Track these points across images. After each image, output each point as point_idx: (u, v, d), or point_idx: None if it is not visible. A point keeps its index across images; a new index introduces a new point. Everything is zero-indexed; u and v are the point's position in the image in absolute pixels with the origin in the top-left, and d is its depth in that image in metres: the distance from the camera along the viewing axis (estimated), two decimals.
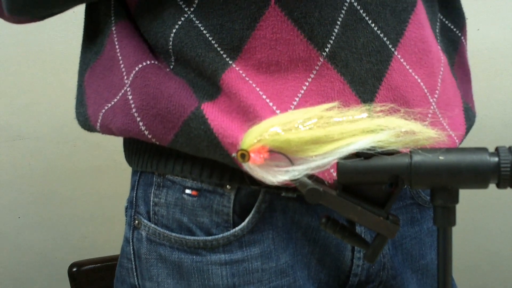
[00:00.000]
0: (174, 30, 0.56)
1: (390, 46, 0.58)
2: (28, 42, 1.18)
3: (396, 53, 0.59)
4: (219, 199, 0.59)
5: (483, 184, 0.48)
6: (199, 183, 0.59)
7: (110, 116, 0.59)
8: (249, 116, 0.55)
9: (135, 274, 0.63)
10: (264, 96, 0.56)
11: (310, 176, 0.48)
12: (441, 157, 0.48)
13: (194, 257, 0.59)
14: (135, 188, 0.63)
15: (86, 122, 0.63)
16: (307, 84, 0.56)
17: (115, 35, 0.60)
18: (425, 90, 0.61)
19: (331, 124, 0.48)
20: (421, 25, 0.61)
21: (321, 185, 0.49)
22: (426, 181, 0.49)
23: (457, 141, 0.65)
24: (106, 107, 0.59)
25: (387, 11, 0.58)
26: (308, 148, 0.46)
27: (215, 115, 0.55)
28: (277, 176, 0.46)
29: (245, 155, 0.46)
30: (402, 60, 0.59)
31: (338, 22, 0.55)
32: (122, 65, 0.59)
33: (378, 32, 0.57)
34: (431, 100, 0.61)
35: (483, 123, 1.23)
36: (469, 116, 0.69)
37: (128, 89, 0.58)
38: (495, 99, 1.31)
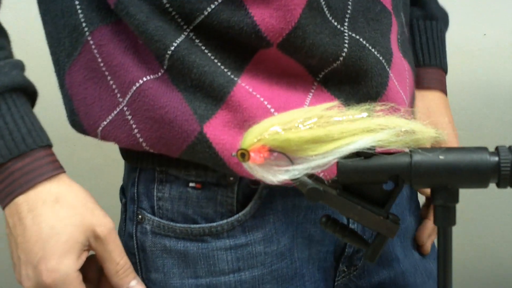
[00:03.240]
0: (175, 43, 0.55)
1: (387, 67, 0.61)
2: (28, 42, 1.18)
3: (390, 73, 0.61)
4: (223, 190, 0.60)
5: (483, 184, 0.48)
6: (203, 177, 0.60)
7: (109, 133, 0.59)
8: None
9: (138, 268, 0.64)
10: (272, 110, 0.57)
11: (310, 176, 0.48)
12: (441, 157, 0.48)
13: (200, 244, 0.60)
14: (136, 185, 0.63)
15: (84, 133, 0.63)
16: (309, 97, 0.59)
17: (93, 47, 0.58)
18: (404, 100, 0.65)
19: (331, 124, 0.48)
20: (395, 40, 0.65)
21: (321, 185, 0.49)
22: (426, 181, 0.49)
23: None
24: (103, 124, 0.59)
25: (378, 35, 0.61)
26: (308, 148, 0.46)
27: (218, 135, 0.56)
28: (277, 175, 0.46)
29: (245, 155, 0.46)
30: (394, 79, 0.62)
31: (341, 58, 0.57)
32: (111, 82, 0.58)
33: (378, 55, 0.60)
34: (406, 104, 0.66)
35: (483, 122, 1.23)
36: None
37: (125, 108, 0.58)
38: (495, 99, 1.31)
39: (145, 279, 0.64)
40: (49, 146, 0.59)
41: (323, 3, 0.56)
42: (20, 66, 0.59)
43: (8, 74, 0.56)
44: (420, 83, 0.79)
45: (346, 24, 0.58)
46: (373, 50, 0.59)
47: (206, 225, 0.60)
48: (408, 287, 0.71)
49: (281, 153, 0.47)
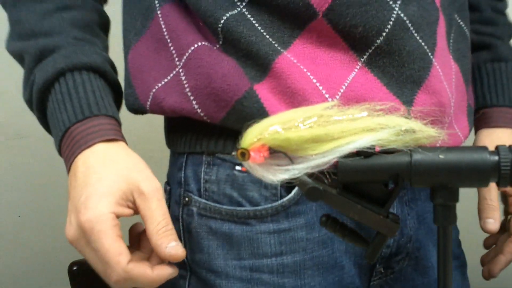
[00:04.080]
0: (225, 17, 0.59)
1: (430, 54, 0.61)
2: None
3: (434, 61, 0.62)
4: None
5: (483, 183, 0.48)
6: None
7: (162, 95, 0.62)
8: (297, 98, 0.58)
9: (188, 250, 0.66)
10: (314, 80, 0.59)
11: (310, 175, 0.48)
12: (441, 156, 0.48)
13: (244, 227, 0.62)
14: (183, 169, 0.66)
15: (135, 102, 0.66)
16: (353, 74, 0.60)
17: (161, 19, 0.64)
18: (450, 96, 0.64)
19: (331, 123, 0.48)
20: (443, 36, 0.65)
21: (321, 184, 0.49)
22: (426, 180, 0.49)
23: (463, 140, 0.69)
24: (156, 87, 0.63)
25: (424, 23, 0.61)
26: (308, 147, 0.46)
27: (267, 96, 0.58)
28: (277, 174, 0.46)
29: (245, 154, 0.46)
30: (438, 67, 0.62)
31: (384, 34, 0.58)
32: (172, 48, 0.63)
33: (421, 41, 0.60)
34: (452, 105, 0.65)
35: None
36: (470, 113, 0.73)
37: (180, 70, 0.61)
38: None
39: (189, 260, 0.66)
40: (114, 118, 0.62)
41: None
42: (105, 57, 0.65)
43: (89, 56, 0.62)
44: (487, 123, 0.79)
45: (398, 2, 0.59)
46: (416, 34, 0.60)
47: (251, 208, 0.62)
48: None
49: (281, 152, 0.47)
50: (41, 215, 1.38)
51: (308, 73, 0.59)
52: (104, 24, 0.70)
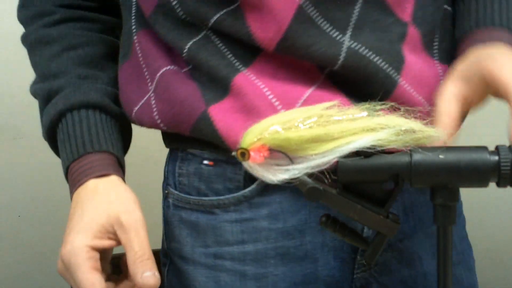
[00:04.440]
0: (188, 45, 0.63)
1: (395, 75, 0.61)
2: None
3: (400, 80, 0.62)
4: (232, 167, 0.65)
5: (483, 183, 0.48)
6: (215, 154, 0.66)
7: (139, 117, 0.68)
8: (252, 116, 0.60)
9: (164, 239, 0.72)
10: (270, 96, 0.60)
11: (310, 175, 0.48)
12: (441, 156, 0.48)
13: (209, 216, 0.66)
14: (167, 164, 0.71)
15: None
16: (312, 88, 0.61)
17: (137, 45, 0.69)
18: (424, 104, 0.64)
19: (331, 123, 0.48)
20: (415, 49, 0.65)
21: (321, 184, 0.49)
22: (426, 180, 0.49)
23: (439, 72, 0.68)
24: (135, 109, 0.69)
25: (385, 44, 0.61)
26: (308, 147, 0.46)
27: (220, 116, 0.62)
28: (277, 174, 0.46)
29: (245, 154, 0.46)
30: (406, 85, 0.62)
31: (338, 63, 0.59)
32: (146, 73, 0.68)
33: (382, 64, 0.61)
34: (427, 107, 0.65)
35: (484, 121, 1.23)
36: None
37: (152, 94, 0.67)
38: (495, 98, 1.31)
39: (167, 249, 0.71)
40: (108, 152, 0.67)
41: (316, 16, 0.60)
42: (105, 91, 0.70)
43: (86, 93, 0.68)
44: (482, 41, 0.65)
45: (348, 33, 0.60)
46: (375, 58, 0.60)
47: (215, 197, 0.66)
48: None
49: (281, 152, 0.47)
50: (41, 215, 1.38)
51: (265, 90, 0.61)
52: (113, 54, 0.74)
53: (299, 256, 0.65)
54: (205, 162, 0.67)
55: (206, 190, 0.67)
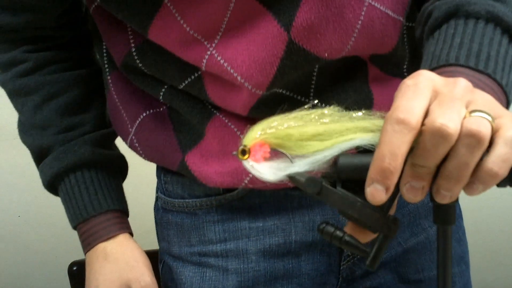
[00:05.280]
0: (162, 91, 0.67)
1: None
2: None
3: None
4: None
5: None
6: None
7: (132, 148, 0.73)
8: (226, 159, 0.65)
9: (157, 239, 0.78)
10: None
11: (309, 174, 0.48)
12: None
13: (193, 217, 0.71)
14: (157, 169, 0.77)
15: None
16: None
17: (111, 87, 0.72)
18: None
19: (332, 122, 0.48)
20: (380, 80, 0.68)
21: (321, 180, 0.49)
22: None
23: None
24: (126, 142, 0.73)
25: (351, 91, 0.66)
26: (308, 144, 0.46)
27: (197, 164, 0.67)
28: (276, 173, 0.46)
29: (245, 151, 0.46)
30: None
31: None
32: (124, 116, 0.71)
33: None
34: None
35: None
36: None
37: (133, 137, 0.71)
38: None
39: (160, 248, 0.78)
40: (110, 210, 0.72)
41: (285, 93, 0.63)
42: (94, 139, 0.73)
43: (77, 152, 0.71)
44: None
45: (311, 96, 0.64)
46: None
47: (198, 199, 0.71)
48: (411, 263, 0.73)
49: (281, 151, 0.47)
50: (41, 215, 1.38)
51: (238, 133, 0.64)
52: (94, 85, 0.76)
53: (281, 252, 0.69)
54: None
55: (188, 197, 0.71)
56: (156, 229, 0.77)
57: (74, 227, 0.73)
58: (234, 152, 0.46)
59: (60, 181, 0.72)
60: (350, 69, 0.65)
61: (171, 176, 0.73)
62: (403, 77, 0.69)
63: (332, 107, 0.54)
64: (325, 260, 0.70)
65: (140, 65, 0.65)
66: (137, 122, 0.70)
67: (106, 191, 0.73)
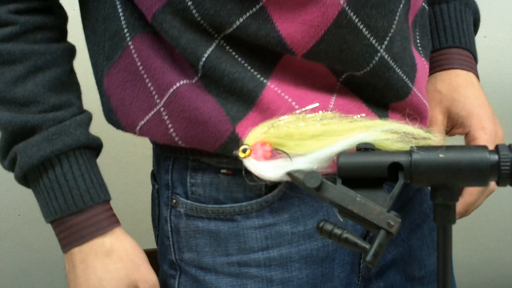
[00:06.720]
0: (206, 54, 0.59)
1: (410, 84, 0.63)
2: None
3: (413, 88, 0.64)
4: (252, 176, 0.61)
5: (483, 182, 0.49)
6: (234, 164, 0.62)
7: (147, 131, 0.64)
8: None
9: (172, 250, 0.69)
10: (298, 111, 0.59)
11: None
12: (441, 155, 0.48)
13: (230, 223, 0.65)
14: (170, 172, 0.67)
15: (122, 129, 0.67)
16: (333, 98, 0.61)
17: (133, 51, 0.63)
18: (427, 106, 0.68)
19: (332, 123, 0.48)
20: (420, 57, 0.68)
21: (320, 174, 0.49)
22: (426, 179, 0.49)
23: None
24: (140, 123, 0.64)
25: (406, 57, 0.63)
26: (308, 143, 0.46)
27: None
28: (277, 171, 0.46)
29: (246, 150, 0.46)
30: (417, 92, 0.65)
31: (364, 70, 0.60)
32: (149, 85, 0.62)
33: (402, 75, 0.63)
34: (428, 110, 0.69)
35: None
36: None
37: (162, 109, 0.62)
38: (495, 97, 1.31)
39: (178, 260, 0.68)
40: (107, 201, 0.65)
41: (358, 22, 0.58)
42: (85, 122, 0.65)
43: (72, 134, 0.63)
44: (441, 65, 0.77)
45: (385, 43, 0.60)
46: (399, 70, 0.62)
47: (237, 204, 0.64)
48: (415, 260, 0.73)
49: (281, 151, 0.47)
50: (41, 214, 1.38)
51: (293, 103, 0.59)
52: (72, 60, 0.68)
53: (321, 258, 0.66)
54: (223, 171, 0.64)
55: (225, 200, 0.65)
56: (174, 239, 0.69)
57: (59, 218, 0.64)
58: (235, 152, 0.46)
59: (48, 166, 0.63)
60: None
61: (203, 176, 0.65)
62: (420, 53, 0.70)
63: (333, 112, 0.54)
64: (351, 260, 0.68)
65: (189, 3, 0.57)
66: (170, 91, 0.61)
67: (101, 180, 0.66)
